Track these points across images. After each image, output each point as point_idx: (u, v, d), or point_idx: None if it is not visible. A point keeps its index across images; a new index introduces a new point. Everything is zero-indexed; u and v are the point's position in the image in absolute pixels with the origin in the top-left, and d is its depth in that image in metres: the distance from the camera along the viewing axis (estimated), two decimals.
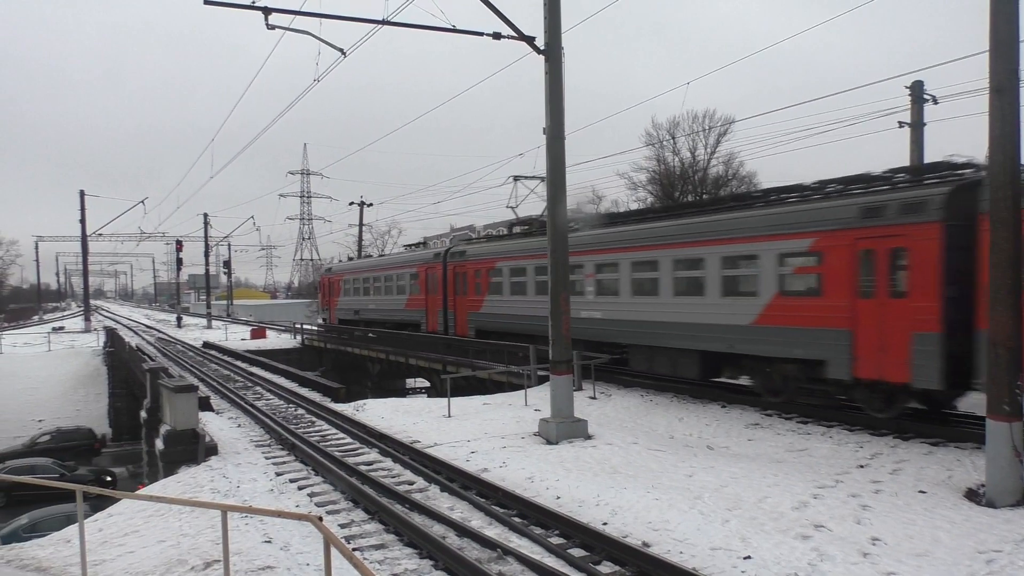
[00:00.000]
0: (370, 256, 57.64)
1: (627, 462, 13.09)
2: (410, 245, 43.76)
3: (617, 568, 8.57)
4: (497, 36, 14.61)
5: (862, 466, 12.36)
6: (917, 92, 24.94)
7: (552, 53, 14.51)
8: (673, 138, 54.66)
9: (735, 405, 17.67)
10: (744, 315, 16.55)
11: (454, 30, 14.24)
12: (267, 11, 13.34)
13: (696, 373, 18.41)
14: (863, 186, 14.98)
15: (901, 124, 25.43)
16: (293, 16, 13.72)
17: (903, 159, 25.03)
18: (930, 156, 24.01)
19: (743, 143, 78.93)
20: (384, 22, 13.92)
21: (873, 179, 14.91)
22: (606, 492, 11.20)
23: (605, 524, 9.84)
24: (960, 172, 13.55)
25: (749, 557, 8.45)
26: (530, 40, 14.70)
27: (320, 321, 50.88)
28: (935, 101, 24.96)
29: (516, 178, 36.08)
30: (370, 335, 34.94)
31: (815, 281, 15.13)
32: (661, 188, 56.63)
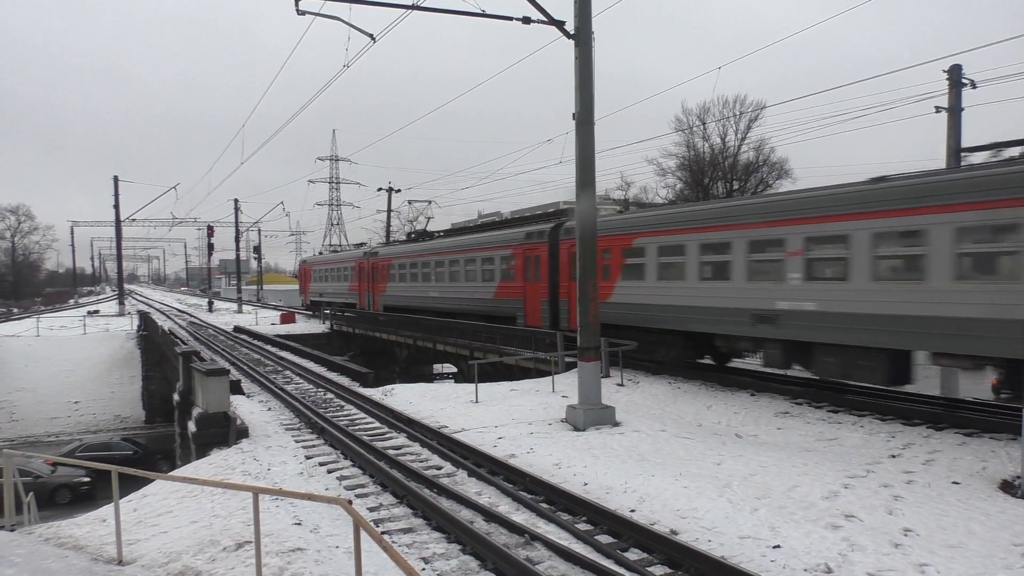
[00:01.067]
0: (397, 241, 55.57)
1: (655, 449, 13.05)
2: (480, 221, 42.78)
3: (645, 555, 8.56)
4: (527, 20, 14.53)
5: (894, 456, 12.22)
6: (955, 76, 24.39)
7: (582, 37, 14.40)
8: (703, 124, 54.10)
9: (764, 393, 17.53)
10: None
11: (483, 15, 14.18)
12: None
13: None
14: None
15: (938, 109, 24.91)
16: (323, 1, 13.76)
17: (940, 144, 24.51)
18: (969, 141, 23.51)
19: (774, 129, 77.89)
20: (414, 7, 13.90)
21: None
22: (634, 479, 11.18)
23: (633, 511, 9.83)
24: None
25: (778, 546, 8.40)
26: (560, 24, 14.61)
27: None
28: (973, 85, 24.40)
29: None
30: (399, 320, 35.07)
31: None
32: (690, 174, 56.14)
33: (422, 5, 13.84)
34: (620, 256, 21.54)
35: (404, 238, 51.06)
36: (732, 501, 9.97)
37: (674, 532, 8.96)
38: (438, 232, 41.88)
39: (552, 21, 14.53)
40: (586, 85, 14.57)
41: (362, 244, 56.01)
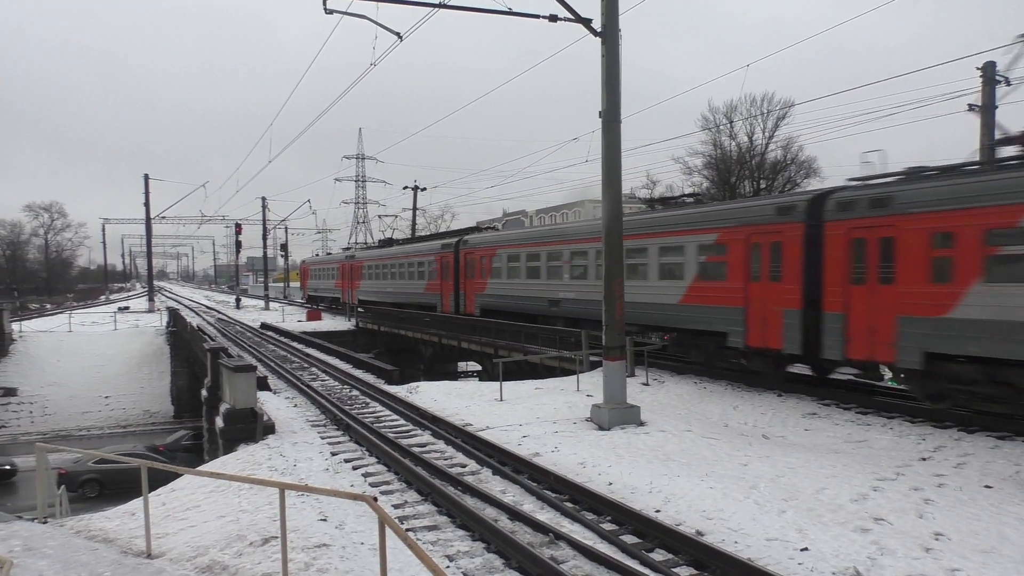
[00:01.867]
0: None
1: (680, 449, 12.97)
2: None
3: (670, 556, 8.50)
4: (553, 18, 14.50)
5: (924, 459, 12.04)
6: (989, 73, 23.99)
7: (609, 35, 14.33)
8: (730, 122, 53.68)
9: (791, 394, 17.35)
10: None
11: (511, 13, 14.15)
12: None
13: None
14: None
15: (971, 107, 24.52)
16: (350, 0, 13.81)
17: (972, 142, 24.13)
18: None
19: (803, 127, 77.07)
20: (441, 5, 13.91)
21: None
22: (659, 479, 11.12)
23: (658, 511, 9.77)
24: None
25: (806, 549, 8.30)
26: (587, 22, 14.55)
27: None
28: (1007, 83, 23.97)
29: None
30: (425, 319, 35.27)
31: None
32: (717, 173, 55.74)
33: (449, 3, 13.86)
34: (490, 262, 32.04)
35: (376, 244, 59.01)
36: (759, 503, 9.88)
37: (700, 533, 8.90)
38: (397, 240, 51.99)
39: (579, 19, 14.48)
40: (612, 83, 14.51)
41: (348, 248, 65.64)
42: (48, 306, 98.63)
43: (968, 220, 13.06)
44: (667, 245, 20.76)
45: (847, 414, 15.42)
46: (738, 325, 17.93)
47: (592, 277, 24.43)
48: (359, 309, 47.10)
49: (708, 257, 19.22)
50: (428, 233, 52.10)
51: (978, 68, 24.12)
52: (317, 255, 79.87)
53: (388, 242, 51.98)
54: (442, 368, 36.17)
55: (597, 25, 14.44)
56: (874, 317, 14.66)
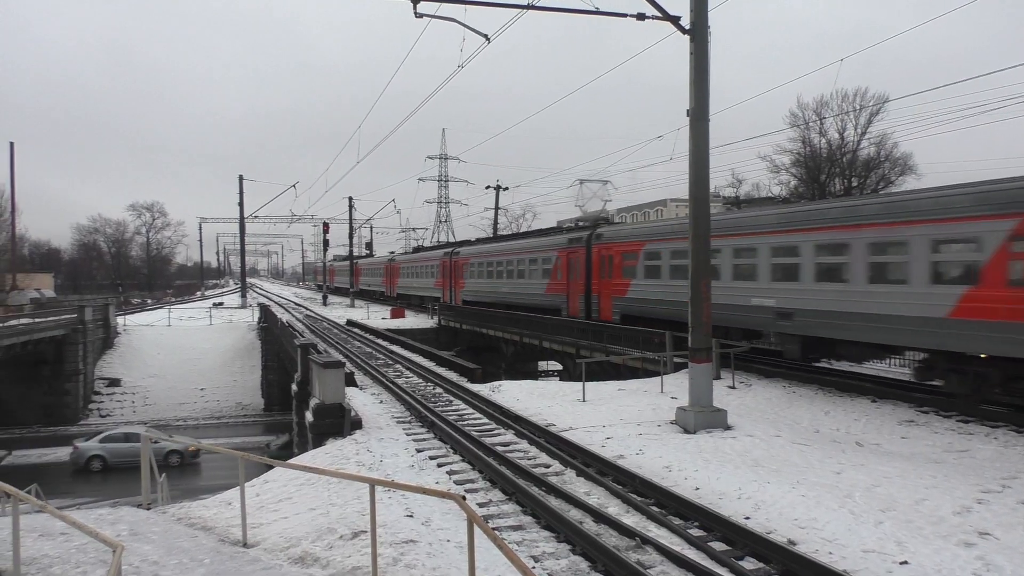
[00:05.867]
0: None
1: (769, 455, 12.64)
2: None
3: (761, 565, 8.29)
4: (641, 17, 14.34)
5: None
6: None
7: (698, 33, 14.09)
8: (820, 118, 52.04)
9: (886, 400, 16.69)
10: None
11: (598, 12, 14.06)
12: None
13: None
14: None
15: None
16: (439, 4, 13.98)
17: None
18: None
19: (898, 123, 73.95)
20: (529, 6, 13.94)
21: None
22: (748, 485, 10.86)
23: (747, 519, 9.55)
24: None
25: (906, 562, 7.96)
26: (675, 20, 14.34)
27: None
28: None
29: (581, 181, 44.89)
30: (507, 318, 35.18)
31: None
32: (806, 171, 54.16)
33: (537, 4, 13.87)
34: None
35: (412, 250, 76.05)
36: (854, 512, 9.53)
37: (792, 542, 8.64)
38: (425, 246, 65.72)
39: (667, 16, 14.28)
40: (701, 81, 14.26)
41: (392, 252, 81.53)
42: (149, 301, 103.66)
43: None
44: (427, 266, 33.64)
45: (947, 422, 14.74)
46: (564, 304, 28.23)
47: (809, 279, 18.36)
48: (451, 306, 47.23)
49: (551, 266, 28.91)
50: (517, 231, 54.41)
51: None
52: (401, 252, 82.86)
53: (500, 237, 53.73)
54: (523, 367, 36.24)
55: (686, 22, 14.21)
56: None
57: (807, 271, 18.32)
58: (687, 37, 14.30)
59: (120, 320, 59.34)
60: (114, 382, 48.78)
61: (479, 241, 53.61)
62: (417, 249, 74.05)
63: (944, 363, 15.76)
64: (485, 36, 15.41)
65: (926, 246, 15.14)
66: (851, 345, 18.14)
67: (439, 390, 22.32)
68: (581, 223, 36.70)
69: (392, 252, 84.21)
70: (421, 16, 13.96)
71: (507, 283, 39.58)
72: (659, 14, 14.32)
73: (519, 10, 14.19)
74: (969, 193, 14.50)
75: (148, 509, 12.33)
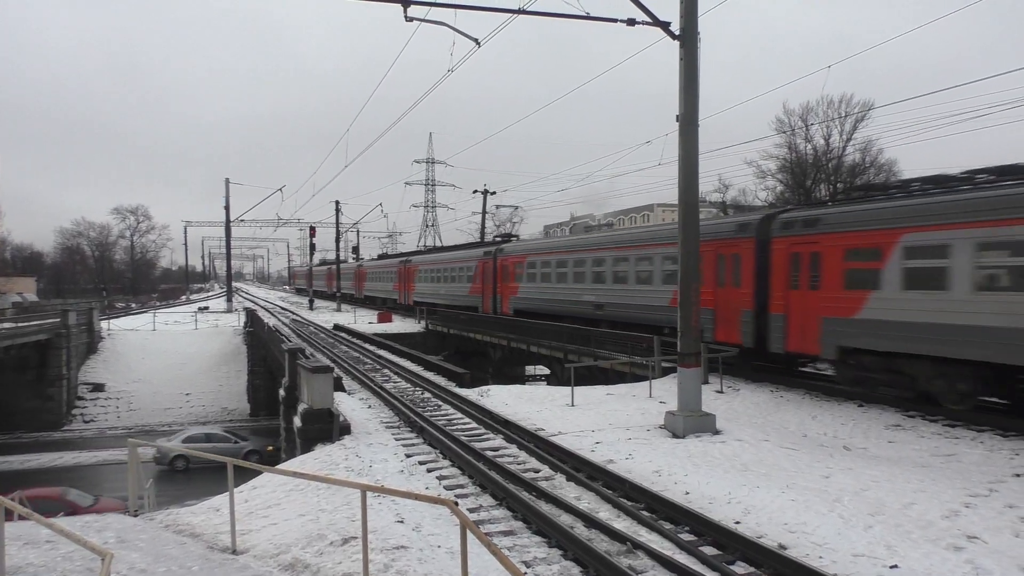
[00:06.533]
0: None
1: (758, 460, 12.69)
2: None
3: (752, 569, 8.31)
4: (631, 22, 14.40)
5: (1019, 475, 11.48)
6: None
7: (687, 38, 14.17)
8: (806, 125, 52.42)
9: (873, 404, 16.78)
10: None
11: (588, 17, 14.12)
12: (406, 3, 13.66)
13: None
14: None
15: None
16: (428, 8, 13.98)
17: None
18: None
19: (882, 130, 74.63)
20: (520, 11, 13.97)
21: None
22: (737, 490, 10.89)
23: (738, 523, 9.57)
24: None
25: (896, 566, 8.01)
26: (665, 25, 14.42)
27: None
28: None
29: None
30: (494, 322, 35.56)
31: None
32: (792, 176, 54.52)
33: (527, 9, 13.90)
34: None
35: (376, 257, 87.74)
36: (844, 517, 9.58)
37: (783, 547, 8.67)
38: (387, 254, 73.38)
39: (657, 22, 14.35)
40: (691, 86, 14.33)
41: (360, 260, 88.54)
42: (133, 305, 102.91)
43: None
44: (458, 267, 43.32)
45: (934, 426, 14.85)
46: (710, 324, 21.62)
47: (632, 282, 26.44)
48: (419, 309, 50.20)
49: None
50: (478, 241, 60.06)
51: None
52: (368, 259, 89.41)
53: (438, 249, 65.71)
54: (510, 371, 36.25)
55: (675, 28, 14.29)
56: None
57: (657, 277, 24.87)
58: (677, 43, 14.38)
59: (104, 324, 58.87)
60: (98, 387, 48.37)
61: (425, 251, 69.00)
62: (381, 256, 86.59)
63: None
64: (476, 40, 15.43)
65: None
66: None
67: (427, 395, 22.27)
68: (496, 238, 49.50)
69: (361, 260, 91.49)
70: (411, 20, 13.96)
71: (444, 286, 49.01)
72: (649, 20, 14.38)
73: (510, 14, 14.24)
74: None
75: (135, 516, 12.22)
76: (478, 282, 42.42)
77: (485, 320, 36.71)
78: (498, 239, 48.67)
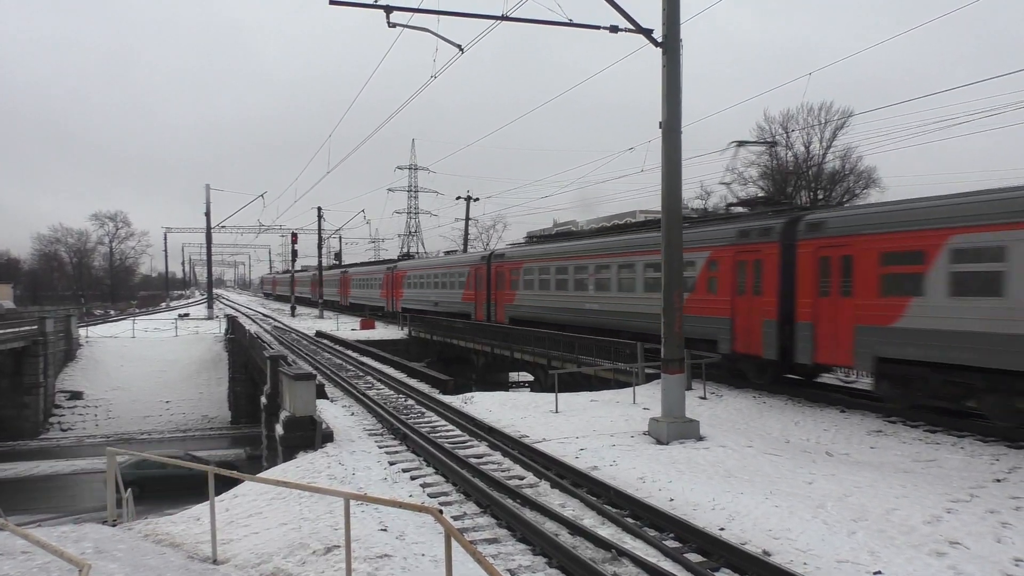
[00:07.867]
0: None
1: (742, 466, 12.72)
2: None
3: None
4: (614, 29, 14.45)
5: (999, 480, 11.59)
6: None
7: (670, 45, 14.23)
8: (786, 132, 52.87)
9: (855, 410, 16.91)
10: None
11: (571, 24, 14.15)
12: (388, 9, 13.64)
13: None
14: None
15: None
16: (411, 14, 13.96)
17: None
18: None
19: (862, 137, 75.38)
20: (503, 17, 13.98)
21: None
22: (722, 496, 10.91)
23: (722, 529, 9.58)
24: None
25: (879, 572, 8.04)
26: (647, 33, 14.47)
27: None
28: None
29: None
30: (478, 328, 35.46)
31: None
32: (773, 183, 54.91)
33: (511, 16, 13.91)
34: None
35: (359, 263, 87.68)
36: (827, 522, 9.62)
37: (767, 553, 8.68)
38: (369, 260, 75.10)
39: (640, 29, 14.41)
40: (673, 93, 14.39)
41: (343, 266, 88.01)
42: (112, 312, 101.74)
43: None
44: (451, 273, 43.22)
45: (915, 432, 14.95)
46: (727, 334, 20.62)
47: (614, 289, 26.56)
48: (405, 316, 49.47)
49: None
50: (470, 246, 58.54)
51: None
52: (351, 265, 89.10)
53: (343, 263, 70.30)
54: (493, 378, 36.14)
55: (658, 35, 14.34)
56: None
57: (639, 283, 24.83)
58: (659, 50, 14.43)
59: (83, 332, 58.13)
60: (76, 395, 47.67)
61: (411, 257, 68.67)
62: (365, 263, 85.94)
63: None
64: (459, 46, 15.43)
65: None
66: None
67: (411, 402, 22.16)
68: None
69: (344, 266, 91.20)
70: (394, 26, 13.94)
71: (434, 292, 47.60)
72: (631, 27, 14.44)
73: (493, 21, 14.24)
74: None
75: (114, 526, 12.04)
76: (471, 289, 40.81)
77: (468, 327, 36.57)
78: (486, 248, 50.45)
